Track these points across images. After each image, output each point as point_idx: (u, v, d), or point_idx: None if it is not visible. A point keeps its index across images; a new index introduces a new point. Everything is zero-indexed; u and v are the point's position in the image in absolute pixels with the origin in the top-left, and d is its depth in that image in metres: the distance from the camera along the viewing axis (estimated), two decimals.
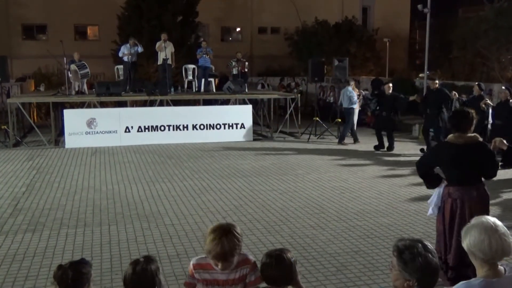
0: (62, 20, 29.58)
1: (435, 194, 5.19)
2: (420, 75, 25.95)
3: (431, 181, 5.30)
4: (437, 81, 13.24)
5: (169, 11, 25.12)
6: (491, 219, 2.64)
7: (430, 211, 5.28)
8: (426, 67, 19.62)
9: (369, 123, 17.68)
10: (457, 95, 13.38)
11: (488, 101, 11.98)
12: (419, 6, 19.07)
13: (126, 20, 26.00)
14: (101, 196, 8.88)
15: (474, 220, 2.67)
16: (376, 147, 13.80)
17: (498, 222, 2.62)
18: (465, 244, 2.62)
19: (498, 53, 24.23)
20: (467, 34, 25.15)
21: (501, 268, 2.67)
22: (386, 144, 13.69)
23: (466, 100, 13.00)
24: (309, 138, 15.38)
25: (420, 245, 2.59)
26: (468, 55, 26.09)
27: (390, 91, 13.59)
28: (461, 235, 2.66)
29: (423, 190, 9.21)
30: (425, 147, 12.90)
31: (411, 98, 13.54)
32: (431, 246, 2.64)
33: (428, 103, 12.79)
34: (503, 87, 12.50)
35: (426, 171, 5.30)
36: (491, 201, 5.59)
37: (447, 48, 29.70)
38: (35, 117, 18.70)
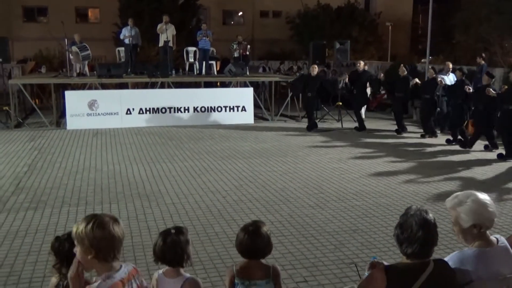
0: (63, 2, 29.48)
1: None
2: (422, 60, 25.86)
3: None
4: (361, 63, 14.23)
5: None
6: (479, 192, 2.70)
7: None
8: (428, 51, 19.54)
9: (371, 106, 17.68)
10: (443, 82, 13.10)
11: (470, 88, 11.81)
12: None
13: (127, 2, 25.90)
14: (102, 175, 8.95)
15: (466, 195, 2.70)
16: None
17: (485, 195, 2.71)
18: (467, 218, 2.64)
19: (501, 38, 24.12)
20: (469, 19, 25.04)
21: (493, 238, 2.72)
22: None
23: (450, 86, 12.99)
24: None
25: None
26: (470, 40, 25.97)
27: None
28: (450, 203, 2.70)
29: (422, 172, 9.30)
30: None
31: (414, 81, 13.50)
32: None
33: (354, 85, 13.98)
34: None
35: None
36: None
37: (449, 33, 29.55)
38: (36, 100, 18.71)
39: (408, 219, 2.55)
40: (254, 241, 3.00)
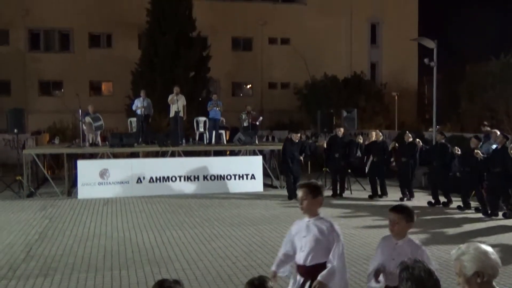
0: (77, 76, 30.56)
1: None
2: (430, 129, 26.16)
3: None
4: (342, 129, 14.90)
5: (181, 67, 25.91)
6: (478, 243, 2.78)
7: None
8: (434, 120, 19.86)
9: None
10: (420, 143, 13.64)
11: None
12: (426, 60, 19.50)
13: (140, 75, 26.75)
14: (112, 242, 8.97)
15: (468, 246, 2.76)
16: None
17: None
18: (469, 266, 2.68)
19: (506, 105, 24.47)
20: (474, 88, 25.54)
21: None
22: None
23: (427, 147, 13.60)
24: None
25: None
26: (477, 108, 26.34)
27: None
28: (455, 254, 2.75)
29: (433, 236, 9.22)
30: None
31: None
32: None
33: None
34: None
35: None
36: None
37: (455, 102, 30.02)
38: (49, 170, 18.98)
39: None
40: None
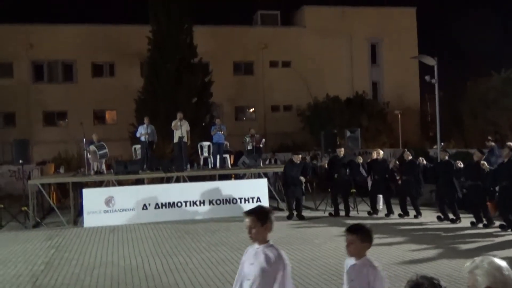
0: (81, 106, 30.80)
1: None
2: (434, 146, 26.14)
3: None
4: (342, 150, 15.04)
5: (184, 93, 26.04)
6: (496, 258, 2.73)
7: None
8: (438, 137, 19.83)
9: None
10: (424, 161, 13.83)
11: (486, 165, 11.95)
12: (427, 77, 19.57)
13: (143, 103, 26.90)
14: (119, 270, 8.91)
15: (482, 260, 2.73)
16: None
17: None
18: (482, 280, 2.65)
19: (510, 120, 24.48)
20: (476, 103, 25.59)
21: None
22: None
23: (432, 165, 13.82)
24: (325, 210, 15.33)
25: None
26: (480, 124, 26.36)
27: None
28: (468, 268, 2.72)
29: (445, 258, 9.13)
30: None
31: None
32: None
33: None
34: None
35: None
36: None
37: (458, 118, 30.03)
38: (55, 199, 18.99)
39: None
40: None
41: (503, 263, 2.70)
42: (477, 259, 2.75)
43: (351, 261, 4.01)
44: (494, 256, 2.83)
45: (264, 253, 3.90)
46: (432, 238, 10.84)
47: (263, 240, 3.96)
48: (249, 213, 4.01)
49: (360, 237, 3.91)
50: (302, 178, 14.41)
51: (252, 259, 3.93)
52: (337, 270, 8.23)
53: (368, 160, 15.20)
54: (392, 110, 31.24)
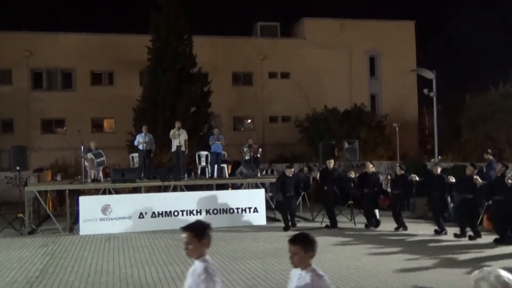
0: (80, 114, 30.79)
1: None
2: (432, 159, 26.16)
3: None
4: (331, 161, 15.03)
5: (182, 102, 26.06)
6: (504, 271, 2.70)
7: None
8: (436, 150, 19.87)
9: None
10: (416, 177, 13.80)
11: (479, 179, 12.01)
12: (425, 90, 19.65)
13: (142, 112, 26.91)
14: (114, 278, 8.85)
15: (489, 272, 2.70)
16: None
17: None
18: (483, 285, 2.64)
19: (508, 135, 24.51)
20: (475, 118, 25.63)
21: None
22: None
23: (422, 179, 13.89)
24: (322, 221, 15.30)
25: None
26: (478, 137, 26.37)
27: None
28: (475, 277, 2.69)
29: (439, 269, 9.10)
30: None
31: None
32: None
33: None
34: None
35: None
36: None
37: (457, 132, 30.09)
38: (51, 207, 18.92)
39: None
40: None
41: (510, 278, 2.67)
42: (485, 270, 2.71)
43: (296, 272, 3.95)
44: (504, 267, 2.79)
45: (196, 268, 3.86)
46: (424, 249, 10.80)
47: (199, 256, 3.89)
48: (186, 228, 3.94)
49: (301, 247, 3.88)
50: (293, 192, 14.51)
51: (189, 276, 3.91)
52: (334, 282, 8.19)
53: (357, 175, 15.30)
54: (390, 122, 31.22)
